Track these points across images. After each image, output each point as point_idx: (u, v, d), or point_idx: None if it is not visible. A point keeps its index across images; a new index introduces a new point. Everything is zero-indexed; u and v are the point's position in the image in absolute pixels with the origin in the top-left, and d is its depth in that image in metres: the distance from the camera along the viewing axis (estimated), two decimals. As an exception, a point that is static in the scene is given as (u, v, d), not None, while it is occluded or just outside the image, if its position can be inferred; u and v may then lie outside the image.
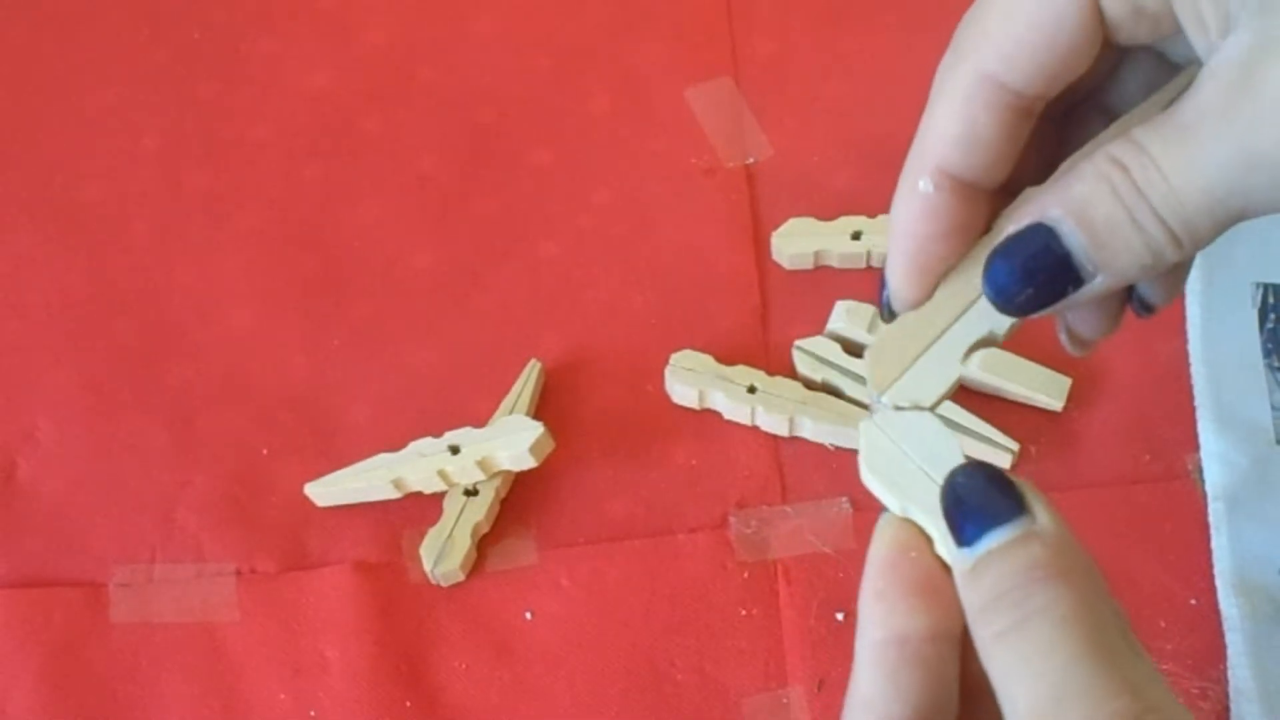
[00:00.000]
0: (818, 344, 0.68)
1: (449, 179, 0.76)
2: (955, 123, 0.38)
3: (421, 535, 0.64)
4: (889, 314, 0.41)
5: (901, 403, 0.40)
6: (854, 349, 0.68)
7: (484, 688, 0.62)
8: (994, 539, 0.35)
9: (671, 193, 0.75)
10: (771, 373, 0.67)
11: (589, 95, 0.79)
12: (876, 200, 0.73)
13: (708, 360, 0.68)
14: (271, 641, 0.63)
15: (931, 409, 0.40)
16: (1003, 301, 0.37)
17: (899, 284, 0.40)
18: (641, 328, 0.71)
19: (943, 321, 0.40)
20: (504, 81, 0.79)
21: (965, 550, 0.35)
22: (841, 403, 0.67)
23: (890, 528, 0.39)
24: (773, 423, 0.66)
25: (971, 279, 0.39)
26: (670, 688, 0.62)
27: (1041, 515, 0.36)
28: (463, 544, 0.64)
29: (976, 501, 0.36)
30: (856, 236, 0.71)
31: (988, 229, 0.40)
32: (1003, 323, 0.39)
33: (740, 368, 0.67)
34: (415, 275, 0.73)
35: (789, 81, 0.78)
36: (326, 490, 0.66)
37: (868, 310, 0.68)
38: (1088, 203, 0.35)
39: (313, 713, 0.62)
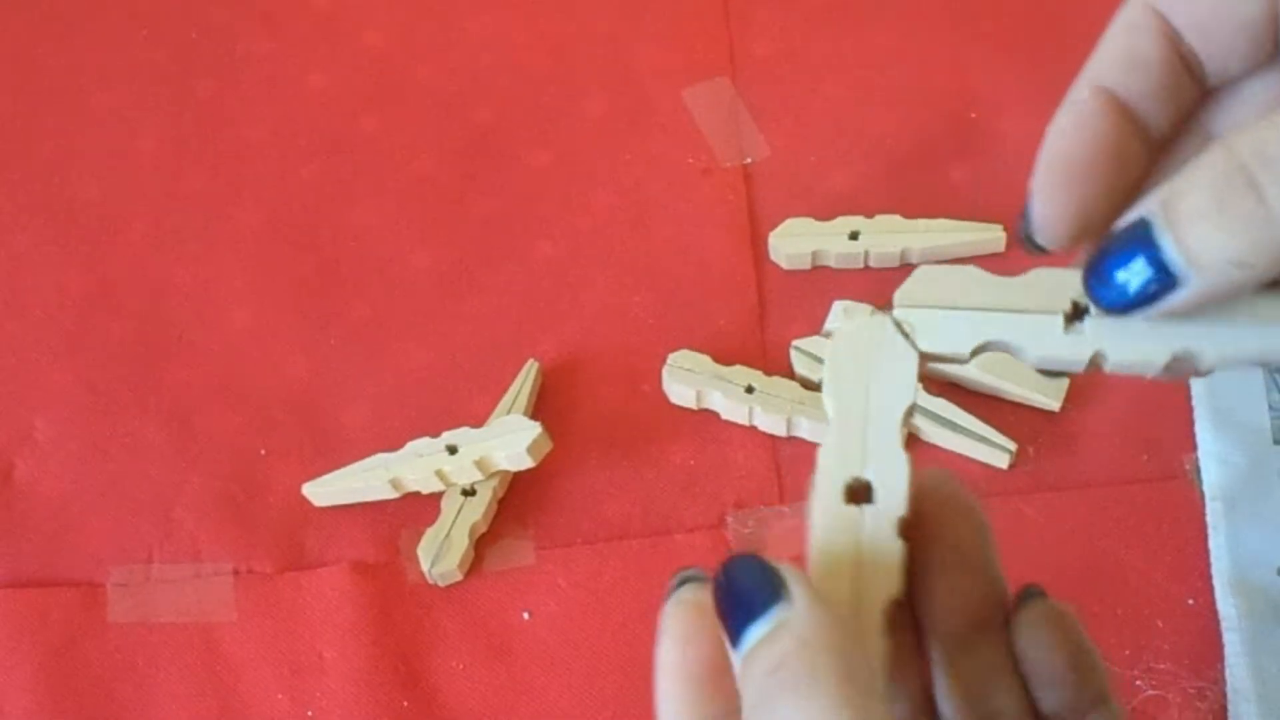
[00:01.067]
0: (815, 344, 0.68)
1: (446, 179, 0.76)
2: (1119, 45, 0.38)
3: (419, 535, 0.64)
4: (1029, 245, 0.39)
5: (907, 323, 0.38)
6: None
7: (481, 687, 0.62)
8: (752, 637, 0.33)
9: (669, 193, 0.75)
10: (769, 373, 0.67)
11: (586, 96, 0.79)
12: (874, 200, 0.73)
13: (705, 360, 0.68)
14: (269, 641, 0.63)
15: (921, 354, 0.38)
16: (1100, 299, 0.36)
17: (1043, 197, 0.38)
18: (639, 328, 0.71)
19: (1013, 301, 0.38)
20: (501, 82, 0.79)
21: (735, 651, 0.34)
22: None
23: (671, 619, 0.36)
24: (770, 423, 0.66)
25: (1069, 283, 0.37)
26: (668, 687, 0.62)
27: (798, 597, 0.33)
28: (460, 544, 0.64)
29: (738, 594, 0.34)
30: (854, 236, 0.71)
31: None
32: (1070, 353, 0.37)
33: (738, 368, 0.67)
34: (413, 275, 0.73)
35: (786, 82, 0.78)
36: (324, 490, 0.66)
37: (865, 310, 0.68)
38: (1180, 194, 0.34)
39: (310, 712, 0.62)
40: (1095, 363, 0.38)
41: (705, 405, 0.68)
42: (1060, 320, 0.37)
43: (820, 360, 0.67)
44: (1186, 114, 0.39)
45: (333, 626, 0.63)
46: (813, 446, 0.67)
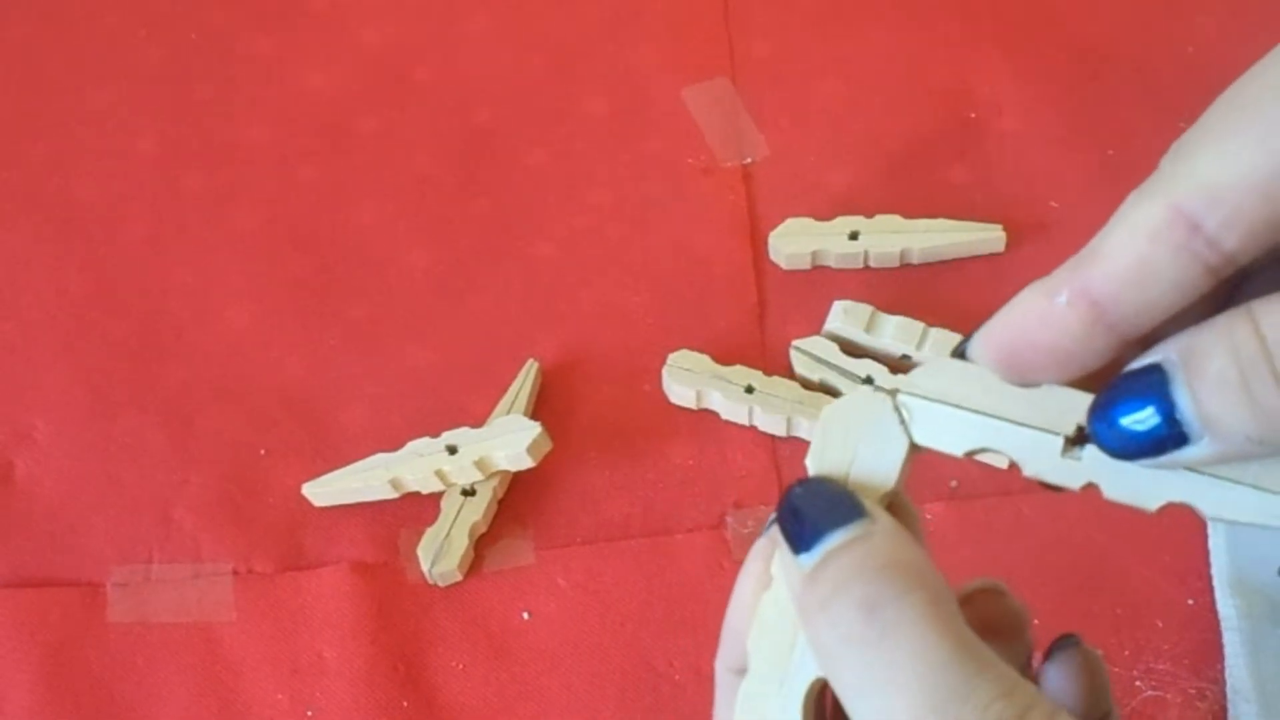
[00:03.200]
0: (815, 344, 0.68)
1: (445, 179, 0.76)
2: (1127, 255, 0.33)
3: (419, 535, 0.64)
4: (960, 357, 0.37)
5: (907, 409, 0.37)
6: (852, 349, 0.68)
7: (481, 688, 0.62)
8: (833, 540, 0.34)
9: (668, 193, 0.75)
10: (769, 373, 0.67)
11: (585, 95, 0.79)
12: (873, 200, 0.73)
13: (705, 360, 0.68)
14: (269, 641, 0.63)
15: (914, 444, 0.37)
16: (1104, 441, 0.35)
17: (981, 358, 0.36)
18: (638, 328, 0.71)
19: (1018, 413, 0.36)
20: (500, 82, 0.79)
21: (803, 555, 0.34)
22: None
23: (754, 563, 0.38)
24: (770, 423, 0.66)
25: (1078, 406, 0.36)
26: (668, 687, 0.62)
27: (881, 518, 0.34)
28: (460, 544, 0.64)
29: (813, 510, 0.35)
30: (854, 236, 0.71)
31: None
32: (1064, 478, 0.37)
33: (737, 368, 0.67)
34: (412, 275, 0.73)
35: (786, 81, 0.78)
36: (324, 490, 0.66)
37: (865, 310, 0.68)
38: (1205, 353, 0.32)
39: (310, 712, 0.62)
40: (1090, 489, 0.37)
41: (705, 405, 0.68)
42: (1061, 442, 0.36)
43: (820, 360, 0.67)
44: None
45: (332, 626, 0.63)
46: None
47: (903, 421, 0.37)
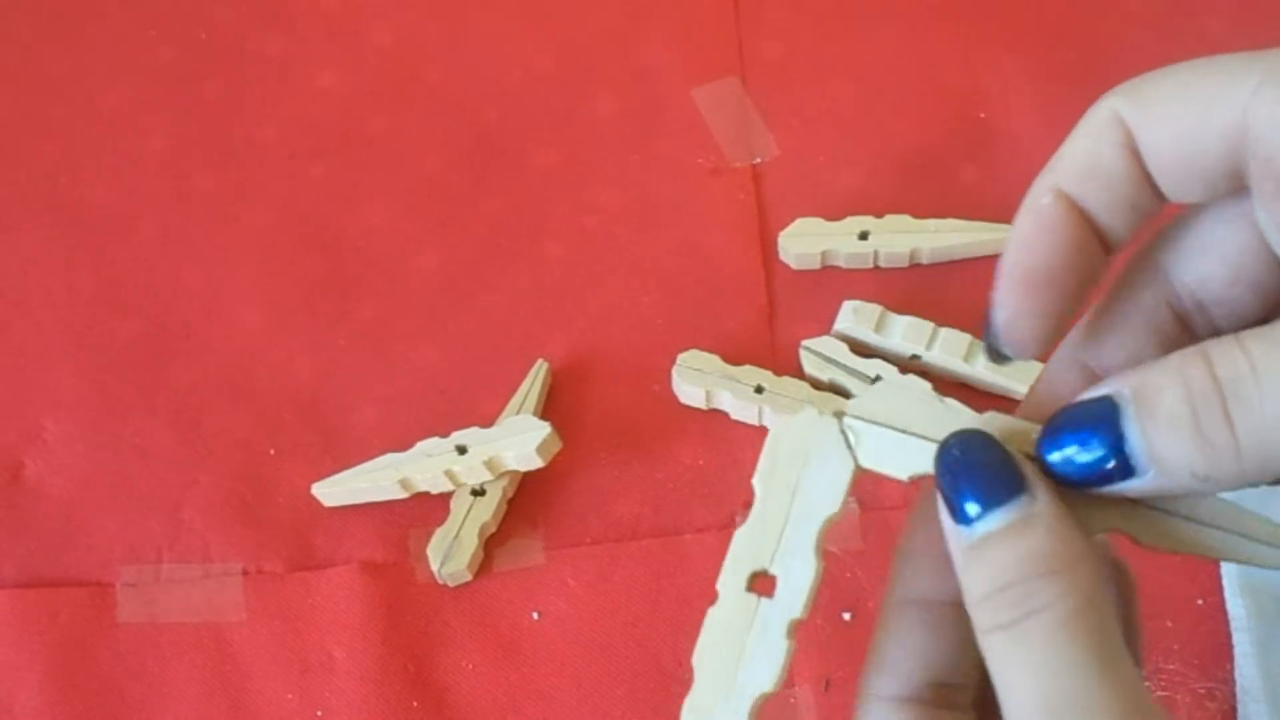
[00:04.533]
0: (825, 344, 0.68)
1: (455, 179, 0.76)
2: (1082, 152, 0.36)
3: (428, 535, 0.64)
4: (994, 355, 0.38)
5: (853, 432, 0.37)
6: (861, 349, 0.68)
7: (491, 687, 0.62)
8: (993, 521, 0.34)
9: (678, 193, 0.75)
10: (779, 373, 0.67)
11: (595, 95, 0.79)
12: (883, 200, 0.73)
13: (714, 360, 0.68)
14: (278, 641, 0.63)
15: (858, 467, 0.37)
16: (1051, 465, 0.35)
17: (1008, 306, 0.37)
18: (648, 328, 0.71)
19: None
20: (510, 82, 0.79)
21: (963, 528, 0.34)
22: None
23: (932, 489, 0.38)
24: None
25: (1027, 435, 0.36)
26: (678, 688, 0.62)
27: (1041, 495, 0.34)
28: (470, 544, 0.64)
29: (973, 476, 0.35)
30: (864, 236, 0.71)
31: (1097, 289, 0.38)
32: None
33: (747, 368, 0.67)
34: (421, 275, 0.73)
35: (796, 81, 0.78)
36: (333, 490, 0.66)
37: (875, 310, 0.68)
38: (1157, 389, 0.33)
39: (319, 712, 0.62)
40: None
41: (714, 405, 0.68)
42: None
43: (830, 360, 0.67)
44: (1147, 223, 0.38)
45: (342, 626, 0.63)
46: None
47: (849, 445, 0.37)
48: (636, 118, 0.78)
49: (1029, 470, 0.35)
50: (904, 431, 0.36)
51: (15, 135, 0.79)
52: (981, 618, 0.34)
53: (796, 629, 0.37)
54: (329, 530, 0.66)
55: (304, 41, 0.81)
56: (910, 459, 0.37)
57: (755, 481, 0.38)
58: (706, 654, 0.38)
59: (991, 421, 0.37)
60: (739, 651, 0.37)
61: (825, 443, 0.37)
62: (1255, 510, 0.37)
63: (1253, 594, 0.62)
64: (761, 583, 0.38)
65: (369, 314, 0.72)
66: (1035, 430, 0.36)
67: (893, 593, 0.38)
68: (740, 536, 0.38)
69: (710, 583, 0.63)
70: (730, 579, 0.38)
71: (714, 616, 0.38)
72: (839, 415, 0.37)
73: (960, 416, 0.37)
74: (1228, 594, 0.62)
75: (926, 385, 0.37)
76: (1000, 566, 0.33)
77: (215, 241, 0.75)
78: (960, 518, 0.34)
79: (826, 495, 0.37)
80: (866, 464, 0.37)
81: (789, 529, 0.37)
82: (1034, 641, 0.33)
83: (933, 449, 0.36)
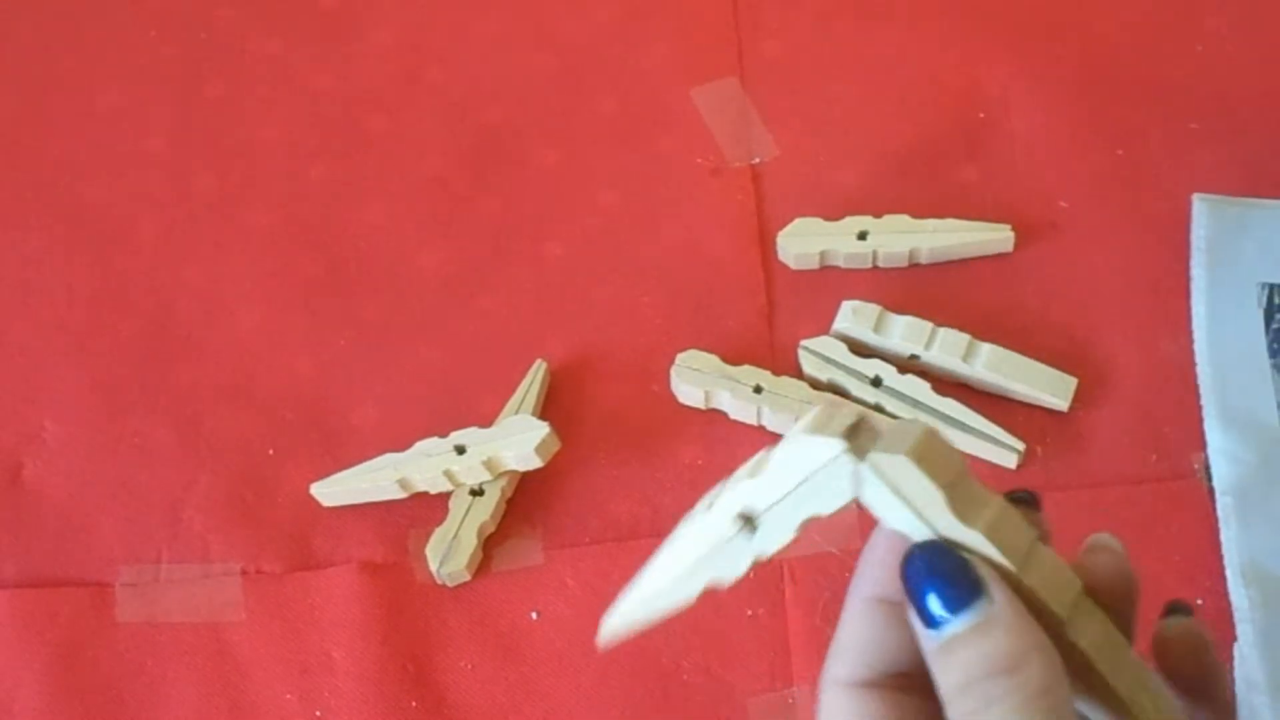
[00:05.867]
0: (824, 344, 0.68)
1: (455, 180, 0.76)
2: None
3: (427, 535, 0.64)
4: None
5: (867, 471, 0.38)
6: (860, 349, 0.68)
7: (489, 687, 0.62)
8: (957, 625, 0.37)
9: (677, 193, 0.75)
10: (777, 373, 0.67)
11: (595, 96, 0.79)
12: (882, 200, 0.73)
13: (713, 360, 0.68)
14: (277, 641, 0.63)
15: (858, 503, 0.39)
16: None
17: None
18: (647, 328, 0.71)
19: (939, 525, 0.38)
20: (510, 82, 0.79)
21: (931, 631, 0.37)
22: (848, 403, 0.66)
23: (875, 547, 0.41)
24: (779, 423, 0.66)
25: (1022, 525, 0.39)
26: (676, 688, 0.62)
27: (998, 596, 0.37)
28: (468, 544, 0.64)
29: (935, 583, 0.37)
30: (862, 236, 0.71)
31: None
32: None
33: (746, 368, 0.67)
34: (421, 275, 0.73)
35: (795, 81, 0.78)
36: (332, 490, 0.66)
37: (874, 310, 0.68)
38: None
39: (318, 712, 0.62)
40: None
41: (713, 405, 0.68)
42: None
43: (829, 360, 0.67)
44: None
45: (341, 626, 0.63)
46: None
47: (857, 485, 0.38)
48: (636, 118, 0.78)
49: (985, 574, 0.37)
50: (906, 503, 0.38)
51: (16, 135, 0.79)
52: (953, 711, 0.37)
53: (755, 566, 0.41)
54: (328, 530, 0.66)
55: (304, 41, 0.81)
56: (900, 523, 0.38)
57: (779, 448, 0.39)
58: (669, 552, 0.42)
59: (1004, 516, 0.38)
60: (699, 563, 0.41)
61: (835, 475, 0.38)
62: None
63: (1256, 585, 0.62)
64: (748, 520, 0.40)
65: (369, 314, 0.72)
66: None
67: (855, 590, 0.41)
68: (748, 482, 0.39)
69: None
70: (726, 502, 0.40)
71: (697, 524, 0.41)
72: (861, 458, 0.38)
73: (969, 497, 0.38)
74: (1231, 585, 0.62)
75: (959, 458, 0.38)
76: (966, 666, 0.37)
77: (215, 241, 0.75)
78: (929, 623, 0.37)
79: (824, 501, 0.39)
80: (865, 502, 0.38)
81: (785, 503, 0.39)
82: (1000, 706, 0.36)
83: (922, 528, 0.38)
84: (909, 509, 0.38)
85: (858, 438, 0.38)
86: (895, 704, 0.39)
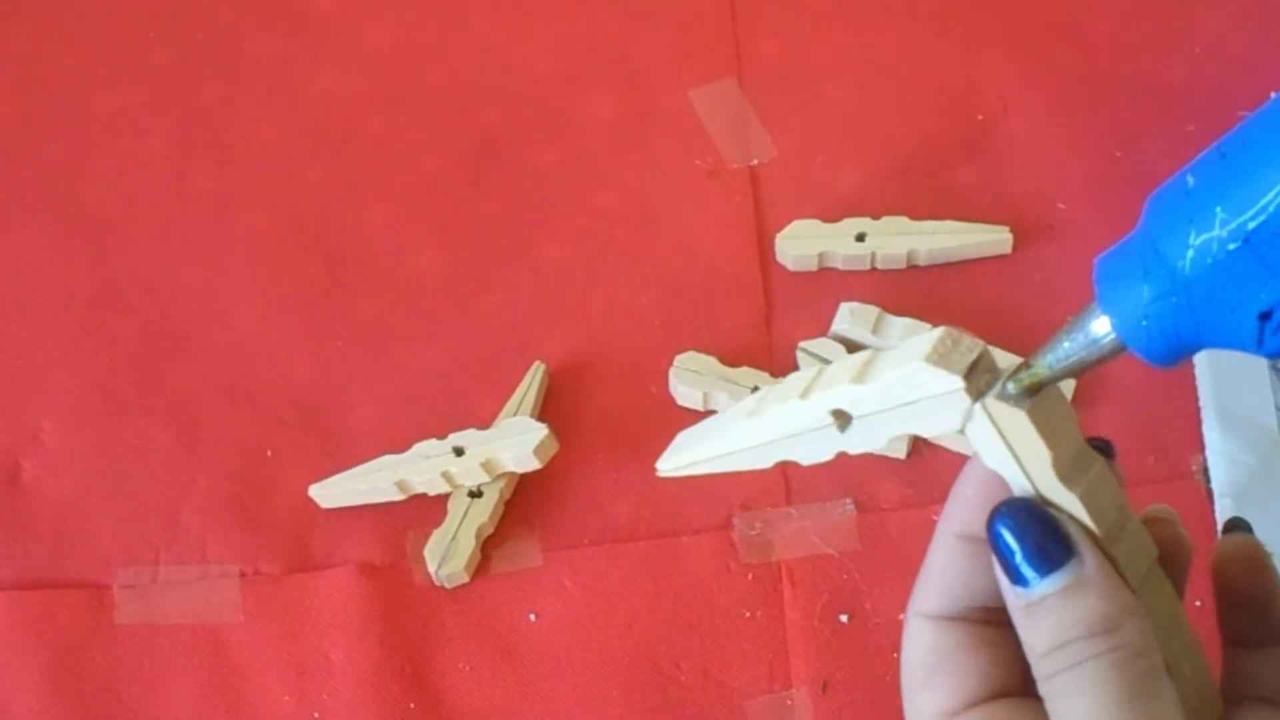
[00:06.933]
0: (822, 345, 0.68)
1: (453, 181, 0.76)
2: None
3: (426, 537, 0.64)
4: None
5: (977, 413, 0.39)
6: (858, 350, 0.68)
7: (488, 689, 0.62)
8: (1048, 585, 0.37)
9: (676, 194, 0.75)
10: (776, 374, 0.67)
11: (593, 97, 0.79)
12: (881, 202, 0.73)
13: (712, 362, 0.68)
14: (275, 643, 0.63)
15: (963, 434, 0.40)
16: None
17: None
18: (645, 329, 0.71)
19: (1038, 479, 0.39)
20: (508, 83, 0.79)
21: (1020, 589, 0.38)
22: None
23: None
24: (777, 424, 0.66)
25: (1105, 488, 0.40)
26: (674, 689, 0.62)
27: (1089, 558, 0.38)
28: (467, 546, 0.64)
29: (1025, 543, 0.38)
30: (861, 238, 0.71)
31: None
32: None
33: (744, 369, 0.67)
34: (420, 276, 0.73)
35: (793, 83, 0.78)
36: (330, 492, 0.66)
37: (872, 311, 0.68)
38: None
39: (316, 714, 0.62)
40: None
41: (712, 406, 0.68)
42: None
43: (827, 362, 0.67)
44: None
45: (339, 628, 0.63)
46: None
47: (967, 420, 0.38)
48: (634, 120, 0.78)
49: (1075, 534, 0.38)
50: (1011, 453, 0.38)
51: (14, 137, 0.79)
52: (1042, 668, 0.38)
53: (837, 457, 0.41)
54: (326, 532, 0.66)
55: (302, 43, 0.81)
56: (999, 465, 0.39)
57: (889, 366, 0.39)
58: (771, 409, 0.41)
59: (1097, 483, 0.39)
60: (789, 440, 0.42)
61: (951, 405, 0.38)
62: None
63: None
64: (842, 417, 0.40)
65: (367, 315, 0.72)
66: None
67: (944, 524, 0.41)
68: (852, 386, 0.39)
69: (706, 585, 0.64)
70: (822, 397, 0.40)
71: (790, 407, 0.41)
72: (975, 392, 0.38)
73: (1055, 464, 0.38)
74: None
75: (1075, 422, 0.39)
76: (1058, 627, 0.37)
77: (214, 242, 0.75)
78: (1017, 580, 0.38)
79: (928, 426, 0.39)
80: (969, 437, 0.39)
81: (890, 414, 0.39)
82: (1087, 686, 0.37)
83: (1021, 479, 0.38)
84: (1013, 458, 0.38)
85: (976, 374, 0.38)
86: (977, 636, 0.40)
